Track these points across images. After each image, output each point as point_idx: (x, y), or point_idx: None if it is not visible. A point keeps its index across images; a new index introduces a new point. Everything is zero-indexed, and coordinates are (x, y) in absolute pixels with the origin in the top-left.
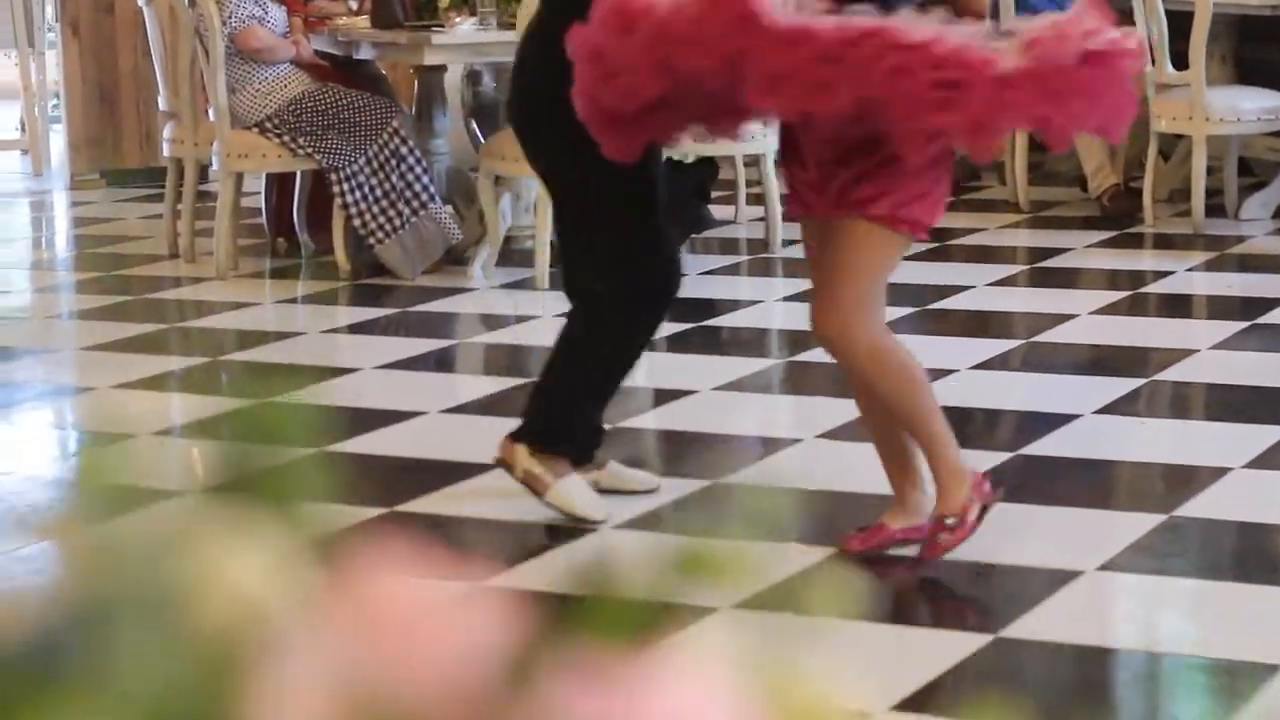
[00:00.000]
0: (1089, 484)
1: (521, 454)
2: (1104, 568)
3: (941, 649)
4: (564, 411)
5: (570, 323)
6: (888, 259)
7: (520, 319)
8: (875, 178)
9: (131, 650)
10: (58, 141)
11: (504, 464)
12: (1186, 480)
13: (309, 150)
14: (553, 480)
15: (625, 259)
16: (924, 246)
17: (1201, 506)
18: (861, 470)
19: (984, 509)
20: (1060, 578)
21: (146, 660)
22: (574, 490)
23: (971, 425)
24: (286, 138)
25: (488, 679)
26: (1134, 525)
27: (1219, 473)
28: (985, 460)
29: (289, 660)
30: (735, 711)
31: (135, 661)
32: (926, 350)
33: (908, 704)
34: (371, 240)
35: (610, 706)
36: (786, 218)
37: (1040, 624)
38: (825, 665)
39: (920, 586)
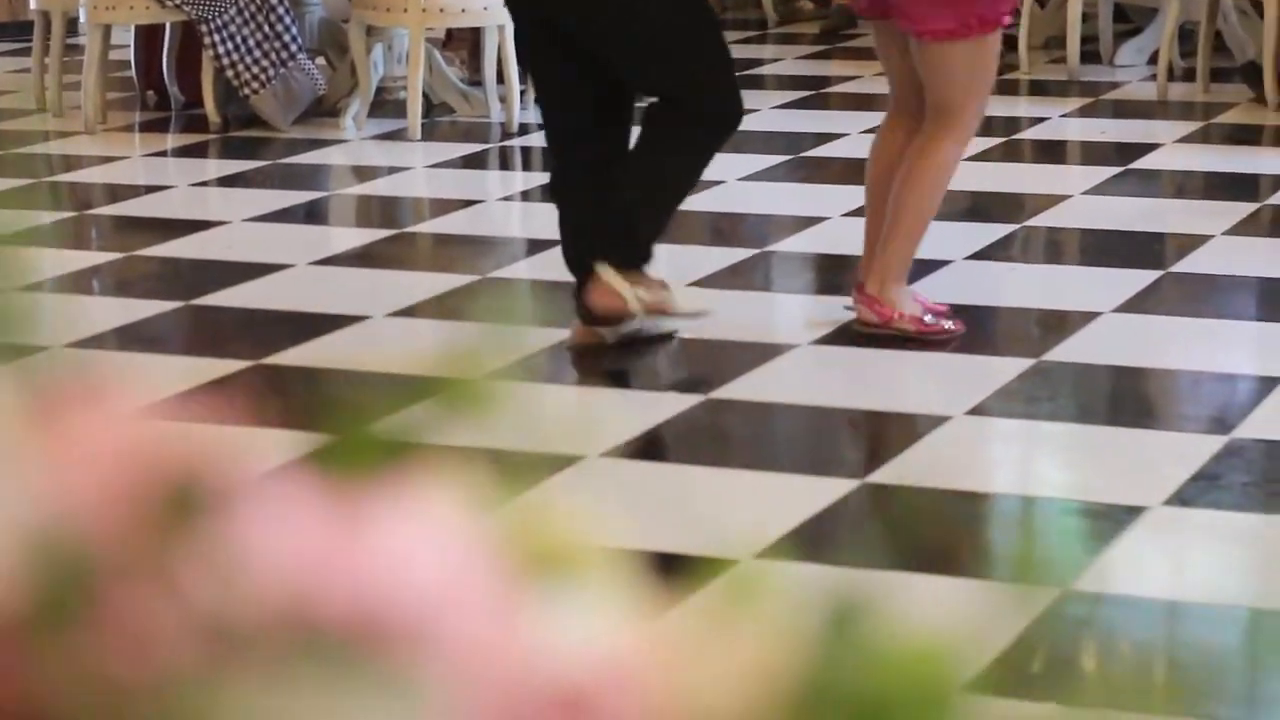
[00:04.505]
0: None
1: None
2: (972, 412)
3: (810, 494)
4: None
5: None
6: None
7: (392, 170)
8: None
9: None
10: None
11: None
12: (1057, 325)
13: (178, 1)
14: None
15: None
16: (800, 94)
17: (1070, 350)
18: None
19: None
20: (929, 422)
21: None
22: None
23: (845, 271)
24: None
25: (150, 511)
26: (1003, 369)
27: (1089, 317)
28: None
29: None
30: (460, 553)
31: None
32: (799, 198)
33: (775, 549)
34: (245, 91)
35: (306, 545)
36: None
37: (908, 469)
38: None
39: (789, 432)
